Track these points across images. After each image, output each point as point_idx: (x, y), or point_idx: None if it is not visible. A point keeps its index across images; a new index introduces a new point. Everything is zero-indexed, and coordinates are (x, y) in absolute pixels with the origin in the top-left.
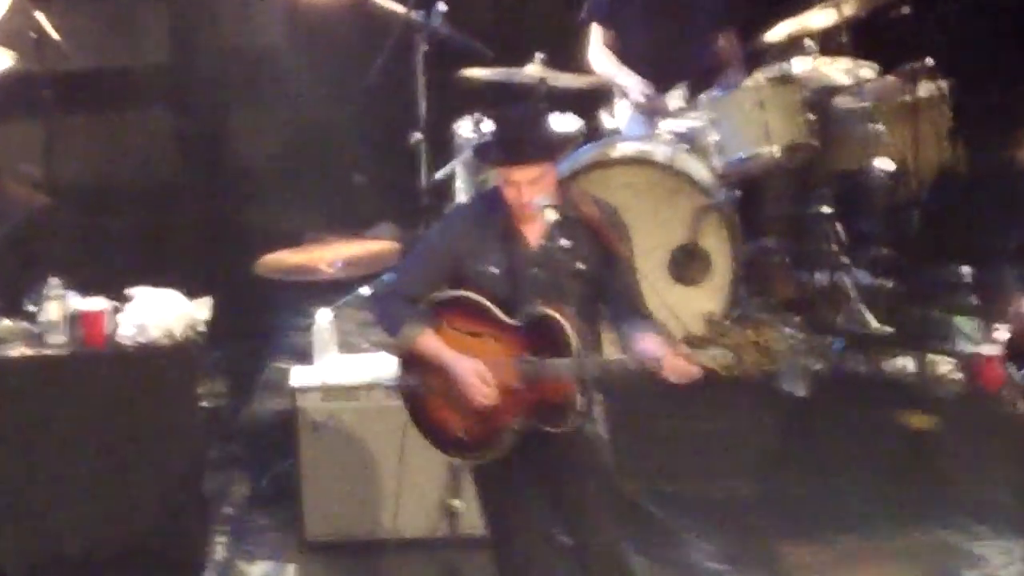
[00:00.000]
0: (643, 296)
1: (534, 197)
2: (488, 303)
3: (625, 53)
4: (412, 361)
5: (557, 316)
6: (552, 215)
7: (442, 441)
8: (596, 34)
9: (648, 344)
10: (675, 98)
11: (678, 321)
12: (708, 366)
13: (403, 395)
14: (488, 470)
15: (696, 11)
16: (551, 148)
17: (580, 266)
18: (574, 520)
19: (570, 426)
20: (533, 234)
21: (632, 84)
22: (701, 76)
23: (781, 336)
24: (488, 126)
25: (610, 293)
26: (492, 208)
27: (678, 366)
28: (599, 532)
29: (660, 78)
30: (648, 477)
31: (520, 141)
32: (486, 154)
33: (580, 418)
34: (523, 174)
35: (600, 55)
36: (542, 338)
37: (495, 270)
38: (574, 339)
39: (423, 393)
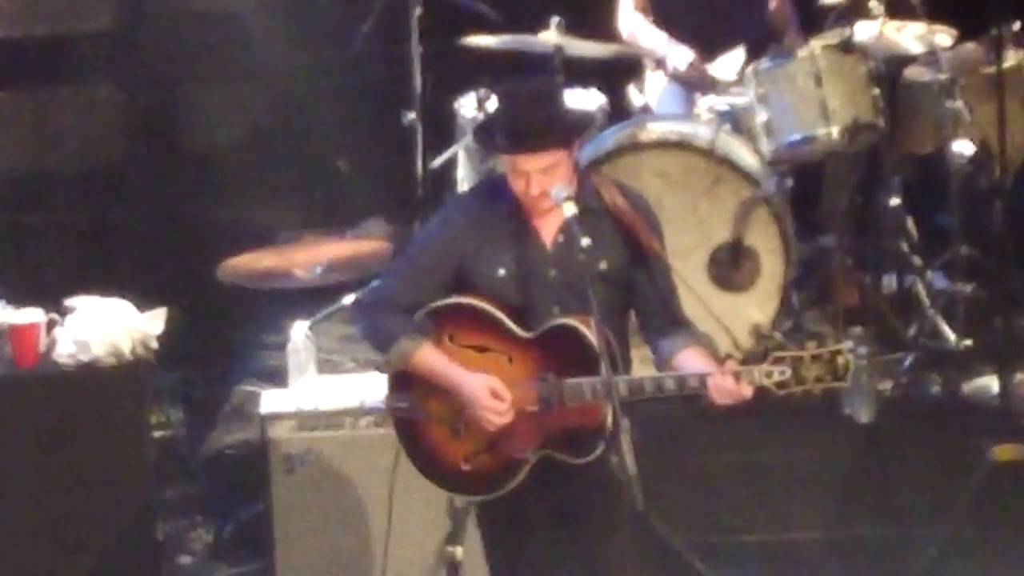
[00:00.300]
0: (680, 302)
1: (545, 188)
2: (497, 312)
3: (660, 17)
4: (406, 381)
5: (578, 326)
6: (571, 209)
7: (442, 475)
8: None
9: (690, 359)
10: (727, 65)
11: (722, 333)
12: (762, 385)
13: (395, 421)
14: (494, 511)
15: None
16: (566, 132)
17: (604, 266)
18: (593, 573)
19: (596, 457)
20: (548, 230)
21: (672, 50)
22: (750, 44)
23: (847, 348)
24: (493, 104)
25: (641, 299)
26: (499, 199)
27: (726, 386)
28: None
29: (701, 47)
30: (689, 522)
31: (529, 124)
32: (488, 139)
33: (607, 448)
34: (533, 162)
35: (632, 18)
36: (561, 353)
37: (503, 273)
38: (600, 352)
39: (420, 418)
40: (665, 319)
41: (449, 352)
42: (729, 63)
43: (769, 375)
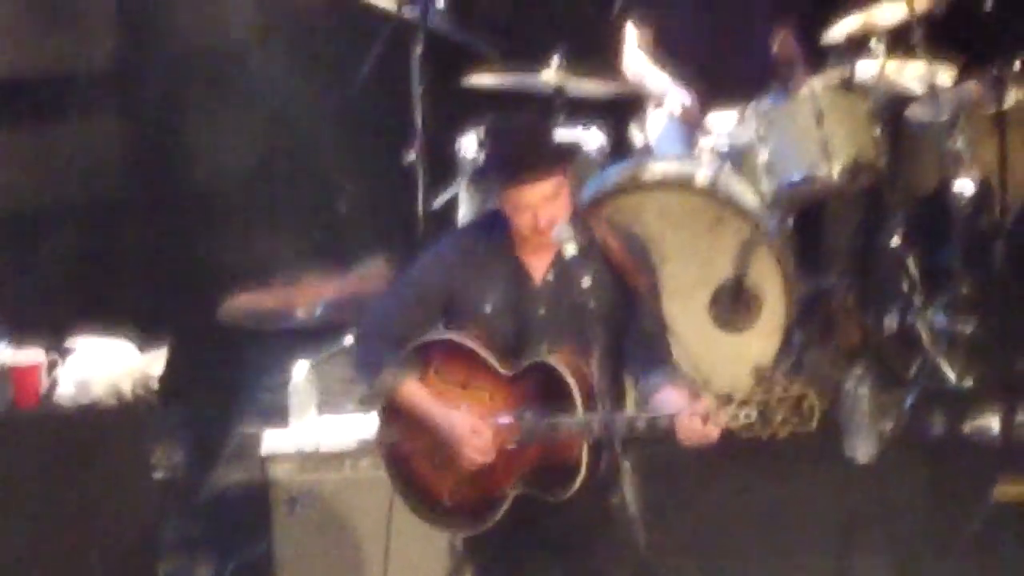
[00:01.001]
0: (666, 342)
1: (553, 217)
2: (478, 348)
3: (666, 54)
4: (394, 414)
5: (555, 365)
6: (572, 250)
7: (427, 509)
8: (631, 34)
9: (665, 398)
10: (718, 123)
11: (721, 374)
12: (729, 426)
13: (383, 455)
14: (484, 548)
15: (747, 7)
16: (560, 156)
17: (593, 305)
18: None
19: (572, 495)
20: (538, 268)
21: (671, 92)
22: (753, 83)
23: (816, 391)
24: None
25: (627, 337)
26: (492, 236)
27: (693, 428)
28: None
29: (705, 85)
30: (690, 562)
31: (526, 153)
32: (488, 178)
33: (591, 486)
34: (536, 191)
35: (635, 57)
36: (539, 390)
37: (490, 309)
38: (576, 391)
39: (405, 452)
40: (647, 358)
41: (434, 385)
42: (721, 120)
43: (735, 418)
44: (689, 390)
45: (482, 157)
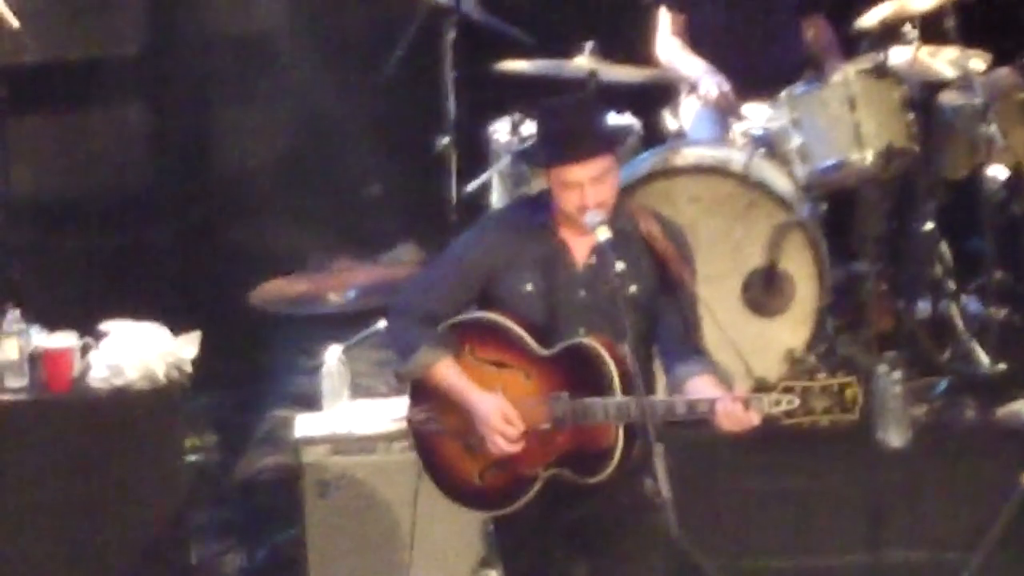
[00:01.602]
0: (701, 331)
1: (601, 199)
2: (517, 328)
3: (697, 42)
4: (425, 393)
5: (595, 345)
6: (605, 233)
7: (456, 490)
8: (664, 20)
9: (701, 385)
10: (751, 113)
11: (754, 358)
12: (770, 413)
13: (413, 434)
14: (513, 530)
15: None
16: (612, 138)
17: (634, 290)
18: None
19: (607, 478)
20: (581, 251)
21: (705, 77)
22: (784, 74)
23: (858, 380)
24: (529, 128)
25: (663, 325)
26: (535, 217)
27: (734, 412)
28: None
29: (738, 71)
30: (722, 547)
31: (578, 132)
32: (538, 156)
33: (625, 469)
34: (586, 171)
35: (669, 43)
36: (577, 372)
37: (531, 289)
38: (615, 374)
39: (436, 431)
40: (682, 344)
41: (468, 365)
42: (755, 111)
43: (778, 403)
44: (721, 380)
45: (520, 139)
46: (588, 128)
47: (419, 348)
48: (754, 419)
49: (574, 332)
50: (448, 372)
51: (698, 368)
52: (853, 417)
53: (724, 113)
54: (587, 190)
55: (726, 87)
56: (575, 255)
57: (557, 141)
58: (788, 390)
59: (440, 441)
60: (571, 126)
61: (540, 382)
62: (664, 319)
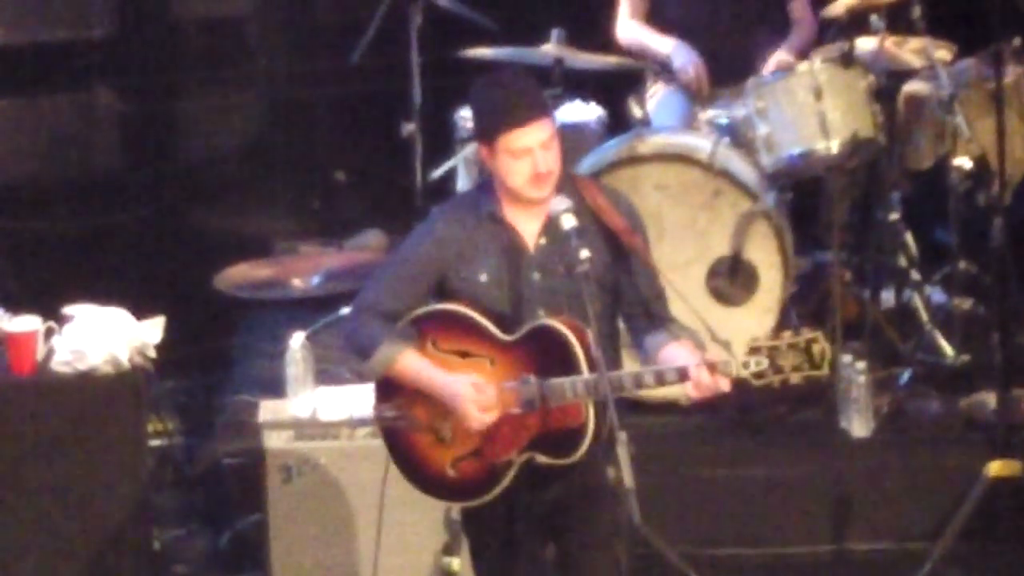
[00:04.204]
0: (665, 301)
1: (551, 167)
2: (477, 316)
3: (662, 28)
4: (391, 388)
5: (557, 326)
6: (571, 221)
7: (429, 482)
8: (625, 3)
9: (671, 353)
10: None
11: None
12: (739, 376)
13: (382, 430)
14: (482, 520)
15: None
16: (547, 103)
17: (588, 268)
18: None
19: (582, 457)
20: (530, 233)
21: (675, 50)
22: (753, 58)
23: (823, 336)
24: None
25: (624, 299)
26: (479, 204)
27: (701, 380)
28: None
29: (703, 59)
30: (685, 536)
31: (521, 97)
32: (485, 130)
33: (596, 450)
34: (534, 134)
35: (630, 23)
36: (542, 354)
37: (486, 278)
38: (580, 352)
39: (405, 426)
40: (648, 318)
41: (432, 358)
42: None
43: (746, 366)
44: (694, 343)
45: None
46: (529, 92)
47: (380, 344)
48: (723, 385)
49: (534, 315)
50: (413, 362)
51: (664, 337)
52: (823, 373)
53: (696, 93)
54: (537, 156)
55: (701, 67)
56: (525, 238)
57: (502, 109)
58: (755, 351)
59: (409, 436)
60: (512, 93)
61: (506, 368)
62: (625, 293)
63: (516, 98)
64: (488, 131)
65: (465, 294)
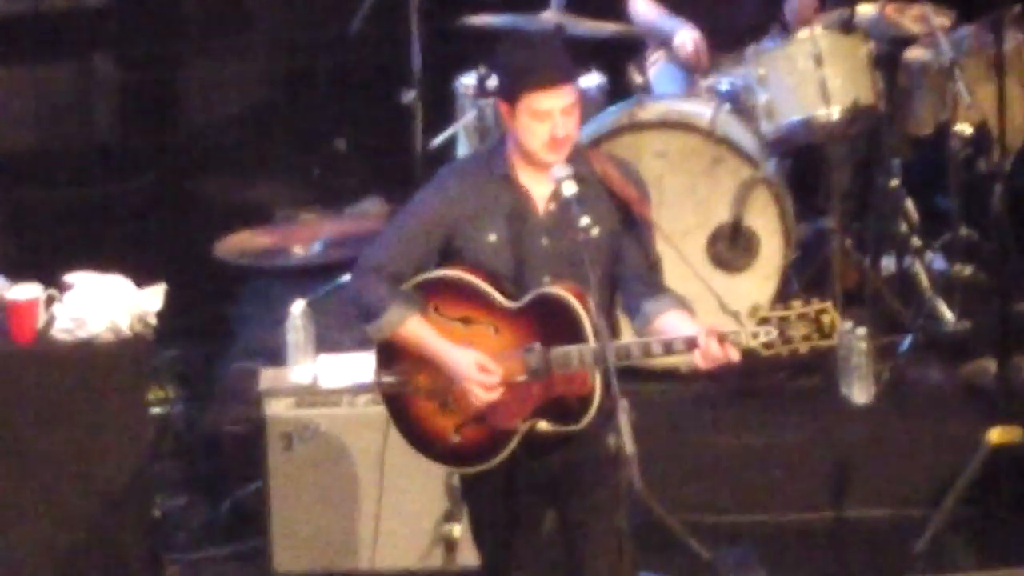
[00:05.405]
0: (661, 268)
1: (569, 132)
2: (482, 283)
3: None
4: (394, 353)
5: (563, 293)
6: (571, 188)
7: (432, 448)
8: None
9: (674, 322)
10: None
11: (718, 314)
12: (749, 347)
13: (384, 395)
14: (482, 487)
15: None
16: (574, 69)
17: (595, 233)
18: (580, 552)
19: (588, 425)
20: (540, 197)
21: (679, 27)
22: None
23: (832, 306)
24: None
25: (625, 264)
26: (493, 165)
27: (711, 350)
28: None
29: (707, 27)
30: (686, 503)
31: (549, 60)
32: (509, 87)
33: (600, 418)
34: (558, 99)
35: (644, 4)
36: (547, 322)
37: (495, 238)
38: (586, 321)
39: (409, 392)
40: (648, 286)
41: (435, 324)
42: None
43: (755, 336)
44: (691, 312)
45: (494, 75)
46: (557, 56)
47: (388, 308)
48: (732, 355)
49: (539, 280)
50: (419, 330)
51: (667, 304)
52: (832, 343)
53: (693, 70)
54: (557, 120)
55: (702, 44)
56: (536, 202)
57: (529, 69)
58: (765, 321)
59: (412, 401)
60: (540, 55)
61: (510, 335)
62: (627, 259)
63: (544, 60)
64: (512, 89)
65: (471, 255)
